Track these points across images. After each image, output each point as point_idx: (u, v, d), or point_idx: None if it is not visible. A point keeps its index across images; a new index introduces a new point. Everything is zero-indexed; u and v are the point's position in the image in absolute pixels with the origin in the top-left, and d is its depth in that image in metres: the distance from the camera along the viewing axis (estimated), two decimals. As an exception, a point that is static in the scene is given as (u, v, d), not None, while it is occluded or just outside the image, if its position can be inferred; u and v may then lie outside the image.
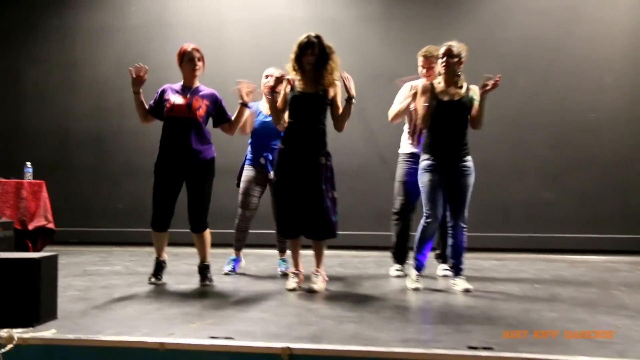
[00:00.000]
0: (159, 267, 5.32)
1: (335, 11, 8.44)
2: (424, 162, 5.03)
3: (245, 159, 5.95)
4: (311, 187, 4.83)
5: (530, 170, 8.07)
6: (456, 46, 5.02)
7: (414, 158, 5.62)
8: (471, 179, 5.01)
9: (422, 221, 4.98)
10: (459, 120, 5.00)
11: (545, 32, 8.13)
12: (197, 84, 5.27)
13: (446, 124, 4.99)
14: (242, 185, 5.85)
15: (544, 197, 7.99)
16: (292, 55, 4.93)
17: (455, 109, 4.98)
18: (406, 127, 5.85)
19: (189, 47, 5.24)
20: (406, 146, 5.82)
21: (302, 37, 4.92)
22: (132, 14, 8.91)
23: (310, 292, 4.81)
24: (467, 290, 4.90)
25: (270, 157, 5.75)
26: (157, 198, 5.14)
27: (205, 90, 5.26)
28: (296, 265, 5.10)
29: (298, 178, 4.86)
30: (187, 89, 5.23)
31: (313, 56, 4.86)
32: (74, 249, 8.08)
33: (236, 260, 5.92)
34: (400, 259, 5.82)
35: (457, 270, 5.07)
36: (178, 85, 5.28)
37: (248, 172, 5.88)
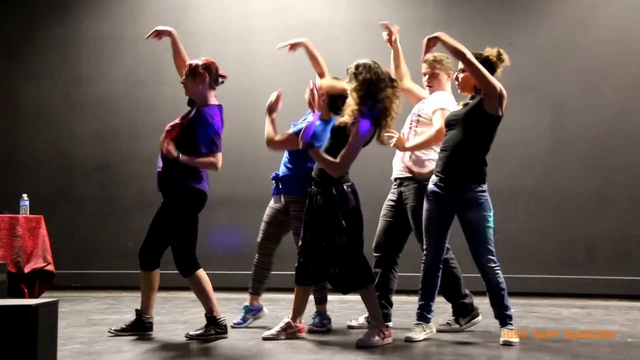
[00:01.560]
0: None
1: (383, 14, 8.47)
2: (429, 186, 5.13)
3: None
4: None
5: (619, 200, 7.99)
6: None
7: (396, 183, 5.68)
8: (477, 214, 4.99)
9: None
10: (469, 134, 5.01)
11: (637, 33, 8.09)
12: (201, 101, 5.27)
13: (454, 138, 5.05)
14: None
15: (636, 232, 7.90)
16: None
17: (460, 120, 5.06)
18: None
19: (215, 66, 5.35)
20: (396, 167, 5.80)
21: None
22: (145, 20, 8.94)
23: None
24: (508, 344, 4.88)
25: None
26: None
27: (199, 108, 5.23)
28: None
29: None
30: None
31: None
32: (77, 295, 8.17)
33: (252, 310, 5.88)
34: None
35: (502, 319, 5.03)
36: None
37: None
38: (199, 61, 5.31)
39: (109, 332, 5.29)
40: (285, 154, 5.77)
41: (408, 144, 5.45)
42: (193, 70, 5.28)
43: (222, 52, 8.64)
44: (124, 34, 9.12)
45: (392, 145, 5.30)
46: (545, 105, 8.22)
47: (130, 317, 5.30)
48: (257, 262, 5.85)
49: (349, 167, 5.00)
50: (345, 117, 4.96)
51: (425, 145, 5.45)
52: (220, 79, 5.34)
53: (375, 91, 4.90)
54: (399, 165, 5.66)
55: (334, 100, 5.42)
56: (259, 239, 5.85)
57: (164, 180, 5.18)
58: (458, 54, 4.90)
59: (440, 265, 5.13)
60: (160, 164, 5.20)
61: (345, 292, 5.14)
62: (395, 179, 5.69)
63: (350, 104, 4.95)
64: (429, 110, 5.56)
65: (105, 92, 9.11)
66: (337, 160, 4.90)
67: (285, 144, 5.46)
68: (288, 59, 8.49)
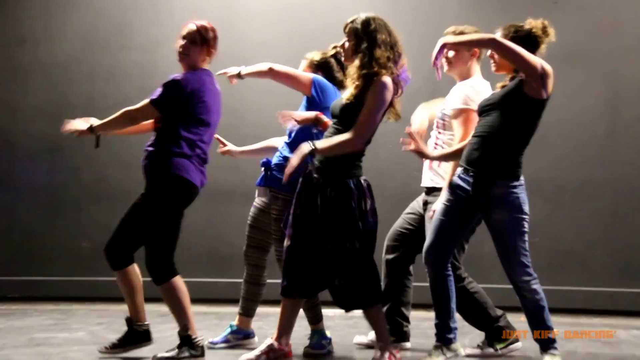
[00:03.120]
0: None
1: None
2: (453, 177, 5.18)
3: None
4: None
5: None
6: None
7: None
8: (507, 214, 4.95)
9: None
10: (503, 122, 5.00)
11: None
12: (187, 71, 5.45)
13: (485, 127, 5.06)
14: None
15: None
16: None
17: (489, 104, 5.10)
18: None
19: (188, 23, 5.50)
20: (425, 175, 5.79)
21: None
22: (107, -32, 9.00)
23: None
24: None
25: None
26: None
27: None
28: None
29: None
30: None
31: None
32: (16, 307, 8.14)
33: (238, 333, 5.89)
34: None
35: (542, 343, 4.99)
36: None
37: None
38: (206, 24, 5.46)
39: (100, 351, 5.32)
40: (285, 141, 5.76)
41: (432, 153, 5.41)
42: (204, 36, 5.43)
43: (200, 9, 8.59)
44: (80, -15, 9.09)
45: (410, 150, 5.23)
46: (598, 78, 8.17)
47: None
48: (245, 277, 5.87)
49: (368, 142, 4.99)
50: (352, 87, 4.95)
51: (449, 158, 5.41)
52: None
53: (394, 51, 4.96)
54: (428, 173, 5.69)
55: None
56: (244, 247, 5.86)
57: (144, 162, 5.30)
58: (484, 45, 4.98)
59: (449, 272, 5.09)
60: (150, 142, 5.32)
61: (348, 309, 5.11)
62: (424, 187, 5.76)
63: (355, 70, 4.96)
64: (449, 110, 5.53)
65: (56, 55, 9.04)
66: (352, 133, 4.85)
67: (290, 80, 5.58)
68: (282, 18, 8.49)
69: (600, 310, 7.83)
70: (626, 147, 8.05)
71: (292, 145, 5.51)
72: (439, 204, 5.20)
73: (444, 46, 4.84)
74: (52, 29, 9.08)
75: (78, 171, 8.92)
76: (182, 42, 5.40)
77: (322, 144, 4.88)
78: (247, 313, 5.87)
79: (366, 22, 4.94)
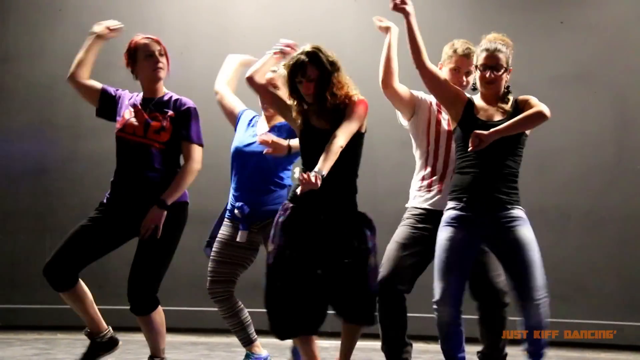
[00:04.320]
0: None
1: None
2: (447, 212, 5.09)
3: (225, 209, 6.05)
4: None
5: None
6: (503, 47, 5.16)
7: (425, 217, 5.45)
8: (527, 231, 5.00)
9: (433, 308, 5.08)
10: (504, 150, 5.05)
11: None
12: (162, 92, 5.62)
13: (486, 155, 5.02)
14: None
15: None
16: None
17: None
18: (418, 164, 5.65)
19: (141, 38, 5.62)
20: (415, 197, 5.62)
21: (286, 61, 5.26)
22: (94, -17, 8.95)
23: None
24: None
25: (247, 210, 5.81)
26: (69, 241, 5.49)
27: (174, 99, 5.59)
28: None
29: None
30: (150, 101, 5.58)
31: (310, 82, 5.09)
32: (-3, 337, 8.12)
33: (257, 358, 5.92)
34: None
35: (537, 355, 5.04)
36: (138, 96, 5.65)
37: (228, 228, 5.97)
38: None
39: None
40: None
41: None
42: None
43: (192, 26, 8.66)
44: (65, 0, 9.10)
45: None
46: (606, 101, 8.17)
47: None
48: (221, 313, 5.91)
49: None
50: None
51: None
52: None
53: None
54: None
55: None
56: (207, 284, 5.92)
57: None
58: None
59: (461, 315, 5.10)
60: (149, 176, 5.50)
61: (351, 321, 5.15)
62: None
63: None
64: None
65: (40, 74, 9.02)
66: (340, 140, 4.92)
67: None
68: (275, 33, 8.52)
69: (607, 344, 7.77)
70: (635, 173, 8.05)
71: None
72: (443, 242, 5.09)
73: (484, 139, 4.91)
74: (36, 46, 9.07)
75: (64, 195, 8.90)
76: (161, 58, 5.56)
77: (323, 165, 4.89)
78: (249, 341, 5.90)
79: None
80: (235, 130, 6.03)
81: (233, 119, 6.03)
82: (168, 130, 5.47)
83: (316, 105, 5.10)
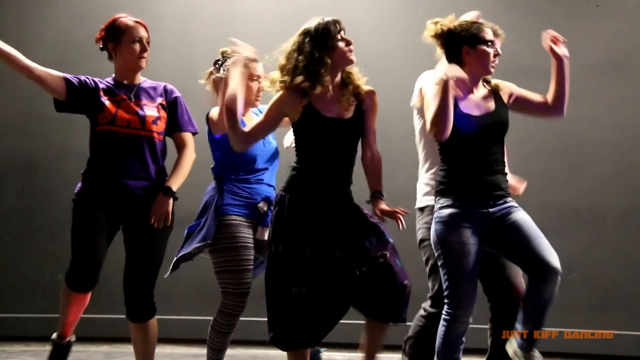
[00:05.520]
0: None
1: None
2: (445, 210, 5.06)
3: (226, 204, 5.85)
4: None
5: None
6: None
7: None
8: (524, 214, 5.06)
9: (445, 319, 5.05)
10: (495, 138, 5.14)
11: None
12: (139, 78, 5.67)
13: (480, 145, 5.09)
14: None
15: None
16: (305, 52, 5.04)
17: (493, 122, 5.12)
18: (422, 159, 5.74)
19: (129, 20, 5.58)
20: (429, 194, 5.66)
21: (314, 23, 5.08)
22: (88, -36, 8.97)
23: None
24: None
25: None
26: (85, 239, 5.44)
27: (153, 85, 5.68)
28: None
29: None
30: (128, 88, 5.57)
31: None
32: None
33: None
34: None
35: (529, 343, 4.98)
36: (106, 82, 5.62)
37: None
38: None
39: None
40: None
41: None
42: None
43: (193, 10, 8.58)
44: (57, -17, 9.06)
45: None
46: (644, 91, 8.12)
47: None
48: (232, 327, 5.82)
49: None
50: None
51: None
52: None
53: None
54: None
55: None
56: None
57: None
58: None
59: None
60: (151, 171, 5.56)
61: (385, 319, 5.05)
62: None
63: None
64: None
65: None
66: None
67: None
68: (282, 20, 8.45)
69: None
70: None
71: None
72: (454, 245, 5.12)
73: None
74: (24, 33, 8.98)
75: (53, 193, 8.81)
76: (146, 45, 5.55)
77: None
78: None
79: None
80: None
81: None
82: (163, 119, 5.55)
83: (336, 91, 5.08)
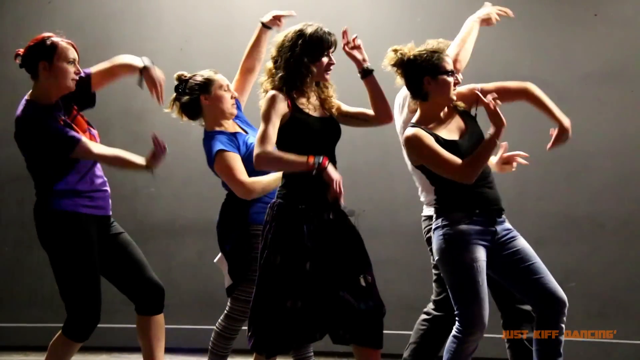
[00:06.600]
0: None
1: None
2: (453, 227, 5.01)
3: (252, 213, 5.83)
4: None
5: None
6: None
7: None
8: (525, 242, 5.09)
9: (456, 337, 5.00)
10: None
11: None
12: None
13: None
14: None
15: None
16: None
17: (475, 140, 5.10)
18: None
19: (61, 40, 5.61)
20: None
21: (312, 29, 5.12)
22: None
23: None
24: None
25: None
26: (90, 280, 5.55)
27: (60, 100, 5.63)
28: None
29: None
30: (58, 109, 5.56)
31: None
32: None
33: None
34: None
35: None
36: (55, 115, 5.57)
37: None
38: None
39: None
40: None
41: None
42: None
43: (192, 19, 8.60)
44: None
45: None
46: (642, 101, 8.10)
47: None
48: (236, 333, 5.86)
49: None
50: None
51: None
52: None
53: None
54: None
55: None
56: None
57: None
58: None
59: None
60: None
61: (377, 344, 5.02)
62: None
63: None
64: None
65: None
66: None
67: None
68: (281, 29, 8.46)
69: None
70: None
71: None
72: (469, 263, 5.09)
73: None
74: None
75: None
76: (79, 67, 5.62)
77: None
78: None
79: None
80: None
81: None
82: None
83: (325, 90, 5.23)
